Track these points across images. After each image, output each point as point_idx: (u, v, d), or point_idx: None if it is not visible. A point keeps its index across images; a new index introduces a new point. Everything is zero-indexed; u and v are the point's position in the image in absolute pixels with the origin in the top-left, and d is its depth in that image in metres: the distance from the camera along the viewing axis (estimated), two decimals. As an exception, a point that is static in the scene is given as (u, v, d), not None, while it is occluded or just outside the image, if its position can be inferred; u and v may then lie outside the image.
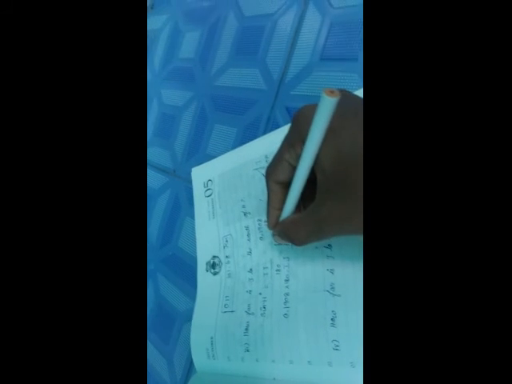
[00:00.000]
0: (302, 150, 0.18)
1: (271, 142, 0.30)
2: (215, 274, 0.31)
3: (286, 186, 0.21)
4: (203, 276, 0.32)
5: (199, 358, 0.30)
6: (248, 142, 0.32)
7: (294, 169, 0.20)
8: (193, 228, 0.35)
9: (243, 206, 0.30)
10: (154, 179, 0.42)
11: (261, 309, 0.26)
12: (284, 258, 0.26)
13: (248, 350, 0.26)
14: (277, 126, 0.30)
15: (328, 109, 0.15)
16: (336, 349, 0.22)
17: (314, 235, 0.20)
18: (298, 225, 0.21)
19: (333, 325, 0.22)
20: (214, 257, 0.31)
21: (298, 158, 0.19)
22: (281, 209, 0.22)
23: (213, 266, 0.31)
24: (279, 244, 0.27)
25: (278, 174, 0.21)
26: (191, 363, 0.31)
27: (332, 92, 0.15)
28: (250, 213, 0.30)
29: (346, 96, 0.18)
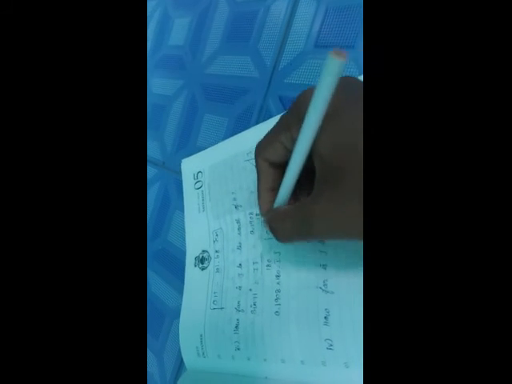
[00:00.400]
0: (298, 133, 0.17)
1: (263, 132, 0.28)
2: (203, 269, 0.30)
3: (277, 166, 0.20)
4: (191, 271, 0.31)
5: (189, 356, 0.29)
6: (240, 132, 0.30)
7: (287, 151, 0.19)
8: (182, 222, 0.33)
9: (234, 199, 0.29)
10: (142, 171, 0.40)
11: (251, 306, 0.25)
12: (275, 252, 0.25)
13: (239, 349, 0.25)
14: (269, 116, 0.29)
15: (334, 72, 0.13)
16: (329, 348, 0.21)
17: (300, 231, 0.18)
18: (285, 216, 0.19)
19: (326, 323, 0.21)
20: (204, 251, 0.30)
21: (293, 141, 0.18)
22: (272, 189, 0.21)
23: (201, 260, 0.30)
24: (270, 238, 0.26)
25: (269, 153, 0.20)
26: (181, 361, 0.31)
27: (339, 54, 0.13)
28: (241, 205, 0.29)
29: (350, 81, 0.17)
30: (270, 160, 0.20)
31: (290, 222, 0.18)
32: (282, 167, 0.20)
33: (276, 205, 0.21)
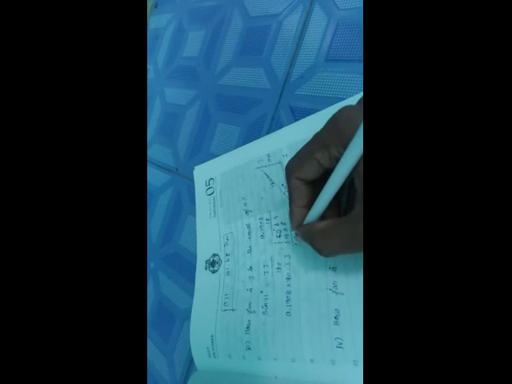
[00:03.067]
0: (338, 151, 0.17)
1: (274, 141, 0.30)
2: (214, 272, 0.31)
3: (309, 183, 0.20)
4: (201, 274, 0.32)
5: (200, 357, 0.30)
6: (251, 141, 0.32)
7: (322, 169, 0.19)
8: (194, 226, 0.35)
9: (245, 204, 0.30)
10: (156, 177, 0.42)
11: (262, 307, 0.26)
12: (285, 256, 0.26)
13: (249, 348, 0.26)
14: (280, 126, 0.30)
15: None
16: (339, 347, 0.22)
17: (347, 248, 0.18)
18: (330, 235, 0.19)
19: (336, 323, 0.22)
20: (214, 255, 0.31)
21: (331, 159, 0.18)
22: (305, 206, 0.21)
23: (212, 264, 0.31)
24: (280, 242, 0.27)
25: (303, 171, 0.20)
26: (191, 362, 0.31)
27: None
28: (251, 211, 0.30)
29: None
30: (304, 178, 0.20)
31: (337, 239, 0.19)
32: (313, 183, 0.21)
33: (309, 218, 0.21)
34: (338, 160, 0.18)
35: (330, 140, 0.18)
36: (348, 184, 0.21)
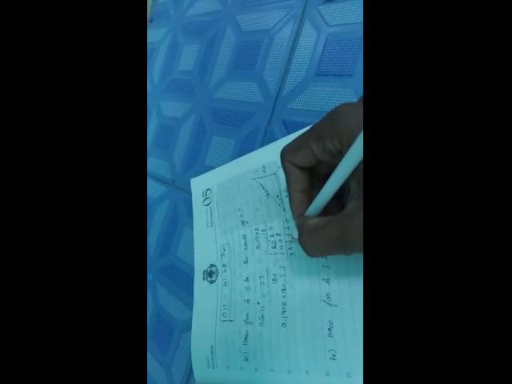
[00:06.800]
0: (332, 145, 0.17)
1: (269, 153, 0.30)
2: (212, 282, 0.31)
3: (304, 169, 0.21)
4: (200, 284, 0.32)
5: (199, 367, 0.30)
6: (246, 153, 0.32)
7: (316, 159, 0.19)
8: (191, 238, 0.35)
9: (241, 215, 0.31)
10: (152, 189, 0.42)
11: (259, 318, 0.27)
12: (280, 267, 0.27)
13: (247, 359, 0.26)
14: (274, 139, 0.31)
15: None
16: (333, 358, 0.22)
17: (334, 248, 0.18)
18: (319, 233, 0.19)
19: (330, 334, 0.23)
20: (212, 265, 0.32)
21: (324, 152, 0.18)
22: (303, 191, 0.21)
23: (210, 274, 0.32)
24: (275, 253, 0.27)
25: (297, 158, 0.20)
26: (190, 373, 0.32)
27: None
28: (247, 222, 0.30)
29: None
30: (297, 165, 0.20)
31: (325, 237, 0.18)
32: (308, 170, 0.21)
33: (309, 212, 0.21)
34: (331, 153, 0.18)
35: (325, 133, 0.18)
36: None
